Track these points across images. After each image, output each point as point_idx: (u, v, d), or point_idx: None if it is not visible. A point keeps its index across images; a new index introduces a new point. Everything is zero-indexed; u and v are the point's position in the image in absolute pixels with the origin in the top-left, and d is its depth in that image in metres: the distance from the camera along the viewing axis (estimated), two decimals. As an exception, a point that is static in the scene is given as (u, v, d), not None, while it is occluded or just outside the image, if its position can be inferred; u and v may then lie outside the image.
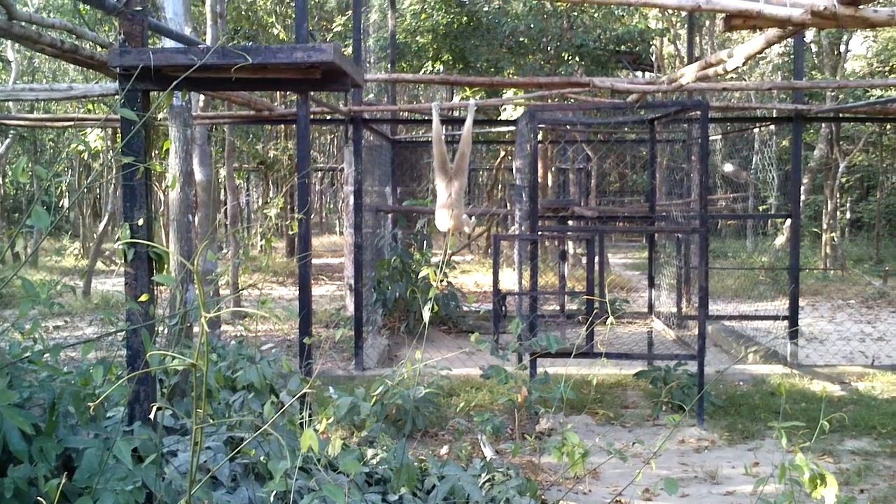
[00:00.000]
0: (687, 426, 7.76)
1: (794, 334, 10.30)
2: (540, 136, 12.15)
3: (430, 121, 7.49)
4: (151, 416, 3.66)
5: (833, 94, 20.75)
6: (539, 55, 17.84)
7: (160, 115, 8.32)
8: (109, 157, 18.25)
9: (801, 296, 11.28)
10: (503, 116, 16.13)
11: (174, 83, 4.00)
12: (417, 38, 17.45)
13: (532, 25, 17.00)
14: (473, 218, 7.76)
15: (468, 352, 10.10)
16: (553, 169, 20.45)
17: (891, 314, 14.88)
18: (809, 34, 21.66)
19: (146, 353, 3.54)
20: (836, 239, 23.04)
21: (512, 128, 13.29)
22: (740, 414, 8.17)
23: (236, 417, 4.90)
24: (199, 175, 10.09)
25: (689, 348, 8.55)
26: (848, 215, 30.39)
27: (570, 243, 17.80)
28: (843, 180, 26.01)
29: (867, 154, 28.48)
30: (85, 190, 24.00)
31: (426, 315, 4.25)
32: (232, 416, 5.00)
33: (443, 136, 7.30)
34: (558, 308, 12.87)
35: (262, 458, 4.18)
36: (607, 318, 4.57)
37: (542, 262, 15.01)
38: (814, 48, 24.21)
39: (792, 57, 17.09)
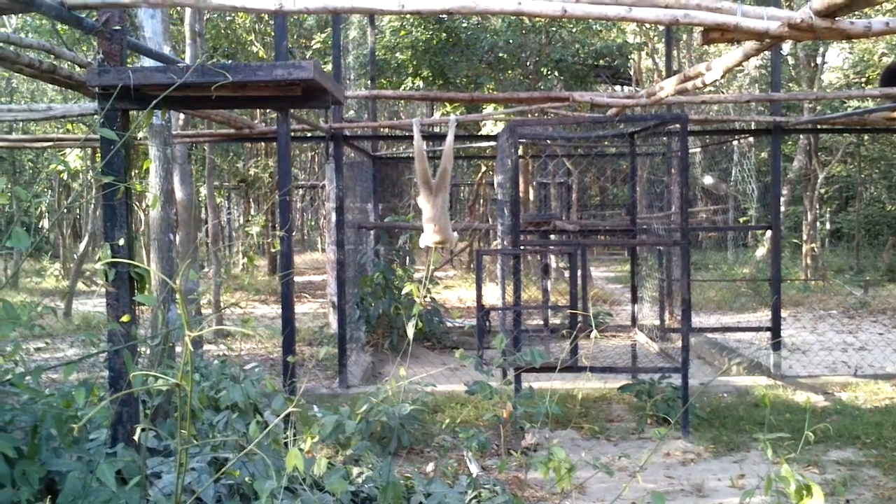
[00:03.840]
0: (672, 439, 7.76)
1: (776, 345, 10.33)
2: (521, 151, 12.18)
3: (410, 137, 7.50)
4: (135, 437, 3.63)
5: (810, 105, 20.93)
6: (518, 70, 17.92)
7: (140, 134, 8.29)
8: (89, 177, 18.14)
9: (782, 307, 11.33)
10: (483, 132, 16.19)
11: (154, 102, 3.98)
12: (397, 54, 17.48)
13: (511, 41, 17.07)
14: (456, 233, 7.76)
15: (452, 368, 10.08)
16: (534, 183, 20.50)
17: (872, 324, 14.97)
18: (786, 46, 21.88)
19: (128, 374, 3.51)
20: (816, 250, 23.18)
21: (492, 143, 13.31)
22: (725, 426, 8.18)
23: (220, 437, 4.86)
24: (179, 194, 10.03)
25: (673, 361, 8.56)
26: (827, 226, 30.61)
27: (553, 257, 17.83)
28: (822, 191, 26.22)
29: (845, 165, 28.72)
30: (65, 210, 23.85)
31: (410, 331, 4.23)
32: (216, 437, 4.96)
33: (424, 152, 7.30)
34: (542, 322, 12.87)
35: (247, 479, 4.15)
36: (591, 331, 4.57)
37: (525, 277, 15.01)
38: (790, 60, 24.43)
39: (769, 69, 17.25)
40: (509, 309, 8.90)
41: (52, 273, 24.77)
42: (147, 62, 6.69)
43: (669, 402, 8.22)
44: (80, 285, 20.06)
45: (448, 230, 6.98)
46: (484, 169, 23.80)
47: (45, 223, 24.11)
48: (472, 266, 23.85)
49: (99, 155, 4.34)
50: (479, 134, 16.20)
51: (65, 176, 22.44)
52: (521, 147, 12.14)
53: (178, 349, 7.61)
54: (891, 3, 19.44)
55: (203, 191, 19.04)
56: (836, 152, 25.33)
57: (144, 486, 3.57)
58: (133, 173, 4.32)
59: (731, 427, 8.13)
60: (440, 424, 7.83)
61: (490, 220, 23.37)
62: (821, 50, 23.12)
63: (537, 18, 16.81)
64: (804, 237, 23.29)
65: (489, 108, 16.23)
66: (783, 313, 11.78)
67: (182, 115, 11.34)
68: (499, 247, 10.54)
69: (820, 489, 3.42)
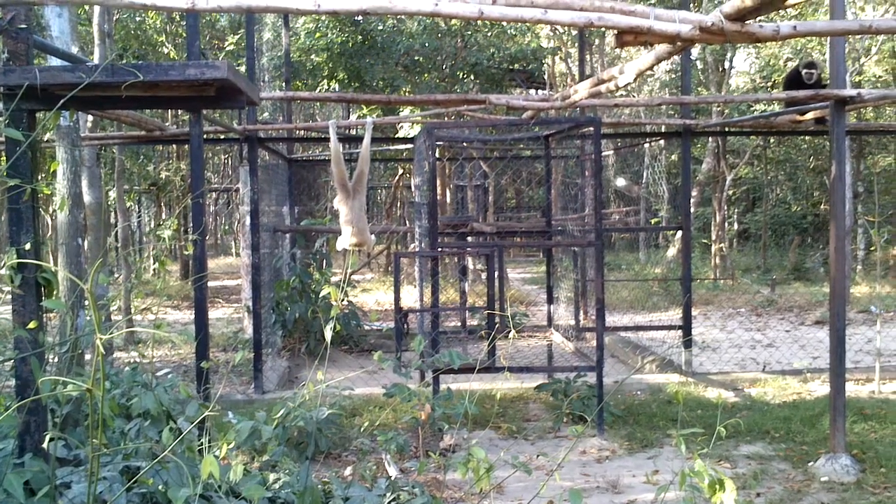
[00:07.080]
0: (588, 437, 7.87)
1: (688, 343, 10.57)
2: (438, 154, 12.20)
3: (326, 139, 7.44)
4: (43, 446, 3.52)
5: (719, 109, 21.48)
6: (434, 74, 17.95)
7: (47, 136, 8.06)
8: (-8, 181, 17.51)
9: (693, 305, 11.59)
10: (400, 134, 16.16)
11: (61, 102, 3.88)
12: (312, 56, 17.34)
13: (427, 44, 17.09)
14: (373, 236, 7.74)
15: (370, 371, 10.04)
16: (451, 186, 20.59)
17: (779, 321, 15.42)
18: (695, 51, 22.41)
19: (36, 382, 3.41)
20: (724, 249, 23.78)
21: (409, 146, 13.33)
22: (639, 423, 8.33)
23: (132, 445, 4.75)
24: (88, 197, 9.78)
25: (588, 360, 8.68)
26: (735, 226, 31.39)
27: (470, 259, 17.92)
28: (730, 192, 26.89)
29: (752, 167, 29.53)
30: (-34, 215, 23.03)
31: (328, 334, 4.19)
32: (127, 445, 4.84)
33: (341, 154, 7.26)
34: (460, 324, 12.91)
35: (160, 487, 4.06)
36: (508, 332, 4.60)
37: (443, 279, 15.05)
38: (699, 65, 25.03)
39: (679, 74, 17.64)
40: (427, 311, 8.92)
41: (-46, 280, 23.87)
42: (54, 62, 6.51)
43: (585, 400, 8.33)
44: (-16, 292, 19.38)
45: (366, 233, 6.96)
46: (401, 171, 23.81)
47: (-54, 228, 23.24)
48: (389, 269, 23.81)
49: (3, 157, 4.21)
50: (396, 136, 16.16)
51: (-34, 179, 21.65)
52: (438, 150, 12.17)
53: (88, 357, 7.42)
54: (795, 10, 20.08)
55: (112, 194, 18.59)
56: (743, 154, 26.04)
57: (54, 496, 3.47)
58: (40, 176, 4.20)
59: (645, 424, 8.28)
60: (358, 428, 7.79)
61: (407, 222, 23.39)
62: (728, 55, 23.74)
63: (453, 21, 16.92)
64: (713, 237, 23.87)
65: (406, 111, 16.22)
66: (693, 312, 12.06)
67: (90, 117, 11.06)
68: (417, 249, 10.54)
69: (732, 483, 3.50)
